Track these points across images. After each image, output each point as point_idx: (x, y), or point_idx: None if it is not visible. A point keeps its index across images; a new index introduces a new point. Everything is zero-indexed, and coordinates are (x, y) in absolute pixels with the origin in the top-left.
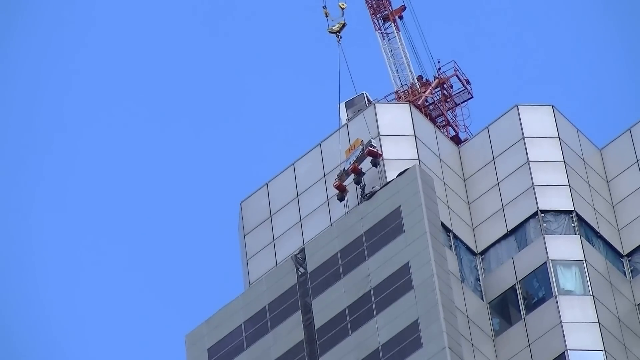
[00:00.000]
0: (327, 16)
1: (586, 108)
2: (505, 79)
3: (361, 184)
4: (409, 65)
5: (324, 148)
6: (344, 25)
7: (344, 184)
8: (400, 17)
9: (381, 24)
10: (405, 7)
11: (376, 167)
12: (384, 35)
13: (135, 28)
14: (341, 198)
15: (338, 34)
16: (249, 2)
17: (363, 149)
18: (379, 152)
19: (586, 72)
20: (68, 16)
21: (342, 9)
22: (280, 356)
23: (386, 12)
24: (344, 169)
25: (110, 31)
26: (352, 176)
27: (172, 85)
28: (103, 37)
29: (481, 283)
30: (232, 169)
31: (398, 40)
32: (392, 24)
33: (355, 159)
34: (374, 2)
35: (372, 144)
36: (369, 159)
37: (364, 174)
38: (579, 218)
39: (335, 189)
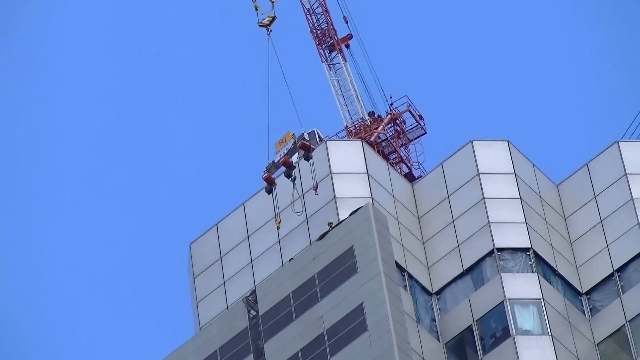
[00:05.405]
0: (256, 10)
1: (542, 143)
2: (459, 114)
3: (292, 177)
4: (358, 98)
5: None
6: (274, 18)
7: (273, 176)
8: (347, 46)
9: (327, 55)
10: (352, 36)
11: (308, 161)
12: (331, 66)
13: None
14: (269, 191)
15: (268, 27)
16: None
17: (295, 142)
18: (312, 146)
19: (542, 106)
20: (58, 17)
21: (273, 2)
22: None
23: (332, 42)
24: (274, 161)
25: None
26: (283, 169)
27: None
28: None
29: (437, 323)
30: (181, 209)
31: (345, 70)
32: (339, 53)
33: (286, 152)
34: (319, 32)
35: (305, 137)
36: (301, 152)
37: (294, 167)
38: (536, 255)
39: (265, 182)
